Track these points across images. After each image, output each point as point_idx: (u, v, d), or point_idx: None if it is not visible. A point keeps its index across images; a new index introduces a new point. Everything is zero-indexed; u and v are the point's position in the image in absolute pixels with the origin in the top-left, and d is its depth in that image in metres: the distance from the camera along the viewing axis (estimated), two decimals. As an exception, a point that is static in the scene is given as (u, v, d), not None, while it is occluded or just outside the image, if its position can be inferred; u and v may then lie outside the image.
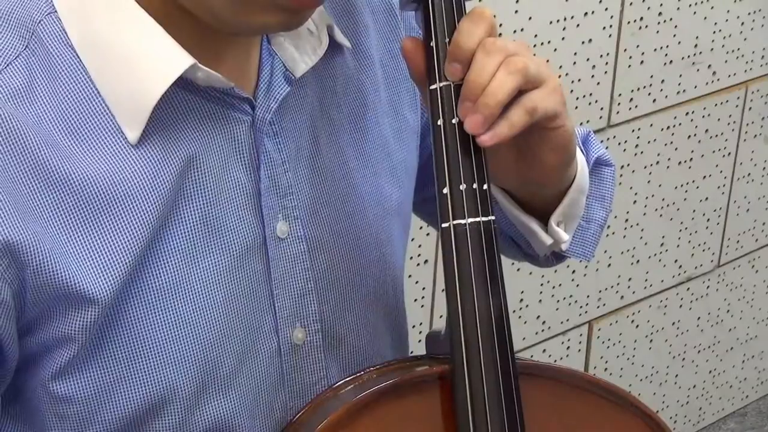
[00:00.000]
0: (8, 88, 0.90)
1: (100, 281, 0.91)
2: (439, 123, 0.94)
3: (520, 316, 2.35)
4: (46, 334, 0.93)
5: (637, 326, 2.62)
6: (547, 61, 2.20)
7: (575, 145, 1.03)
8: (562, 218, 1.08)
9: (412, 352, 1.18)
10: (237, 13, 0.90)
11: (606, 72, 2.31)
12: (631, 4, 2.29)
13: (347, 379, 1.01)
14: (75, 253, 0.91)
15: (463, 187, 0.94)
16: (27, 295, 0.90)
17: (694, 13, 2.42)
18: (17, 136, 0.89)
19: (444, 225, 0.94)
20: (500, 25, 2.09)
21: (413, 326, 2.10)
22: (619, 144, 2.40)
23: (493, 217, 0.95)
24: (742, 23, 2.53)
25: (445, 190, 0.94)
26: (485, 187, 0.94)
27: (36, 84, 0.91)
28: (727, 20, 2.49)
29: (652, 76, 2.40)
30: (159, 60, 0.92)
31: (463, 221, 0.94)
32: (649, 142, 2.45)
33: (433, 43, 0.95)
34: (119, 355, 0.94)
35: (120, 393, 0.95)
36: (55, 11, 0.93)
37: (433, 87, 0.95)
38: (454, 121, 0.94)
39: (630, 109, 2.39)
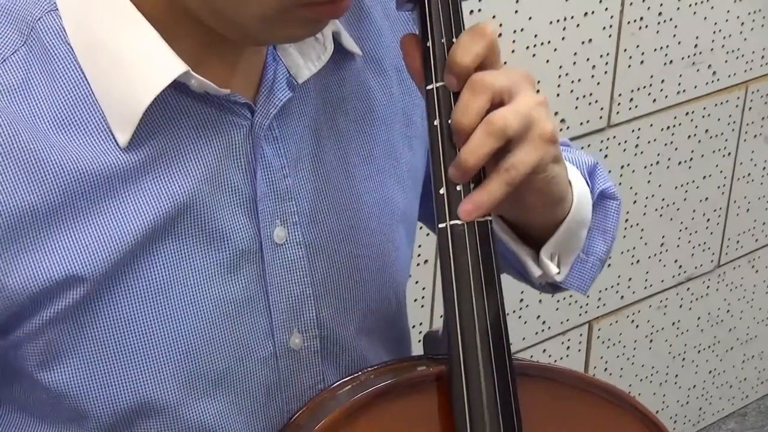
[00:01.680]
0: (4, 84, 0.90)
1: (88, 261, 0.92)
2: (435, 123, 0.94)
3: (520, 316, 2.35)
4: (27, 326, 0.93)
5: (637, 326, 2.61)
6: (547, 61, 2.20)
7: (562, 187, 1.00)
8: (555, 249, 1.06)
9: (411, 352, 1.18)
10: (265, 29, 0.91)
11: (606, 72, 2.31)
12: (631, 4, 2.29)
13: (345, 379, 1.01)
14: (63, 235, 0.91)
15: (459, 187, 0.93)
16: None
17: (694, 13, 2.42)
18: (7, 131, 0.90)
19: (441, 225, 0.94)
20: (500, 25, 2.09)
21: (413, 326, 2.10)
22: (619, 144, 2.40)
23: (490, 218, 0.95)
24: (742, 23, 2.53)
25: (442, 191, 0.94)
26: (482, 187, 0.94)
27: (32, 80, 0.91)
28: (727, 20, 2.49)
29: (652, 76, 2.40)
30: (152, 66, 0.92)
31: (460, 221, 0.94)
32: (649, 142, 2.45)
33: (429, 44, 0.94)
34: (106, 349, 0.94)
35: (109, 386, 0.95)
36: (56, 9, 0.93)
37: (429, 87, 0.94)
38: (450, 121, 0.93)
39: (630, 109, 2.39)
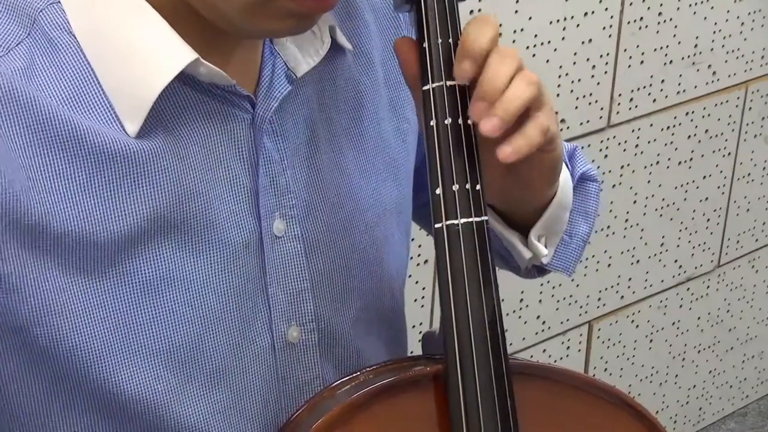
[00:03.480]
0: (10, 69, 0.89)
1: (95, 220, 0.90)
2: (432, 124, 0.94)
3: (520, 316, 2.35)
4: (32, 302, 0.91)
5: (637, 326, 2.62)
6: (547, 61, 2.20)
7: (560, 164, 1.04)
8: (543, 232, 1.09)
9: (411, 352, 1.19)
10: (248, 19, 0.91)
11: (606, 72, 2.31)
12: (631, 4, 2.29)
13: (344, 379, 1.01)
14: (74, 201, 0.90)
15: (455, 187, 0.94)
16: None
17: (694, 13, 2.42)
18: (18, 96, 0.88)
19: (437, 225, 0.94)
20: (500, 25, 2.09)
21: (413, 326, 2.10)
22: (619, 144, 2.40)
23: (486, 218, 0.95)
24: (742, 23, 2.53)
25: (438, 191, 0.94)
26: (478, 187, 0.95)
27: (37, 69, 0.90)
28: (727, 20, 2.49)
29: (652, 76, 2.40)
30: (162, 54, 0.92)
31: (456, 221, 0.94)
32: (649, 142, 2.45)
33: (426, 44, 0.95)
34: (104, 342, 0.93)
35: (104, 383, 0.94)
36: (59, 1, 0.92)
37: (426, 88, 0.95)
38: (446, 121, 0.94)
39: (630, 109, 2.39)
